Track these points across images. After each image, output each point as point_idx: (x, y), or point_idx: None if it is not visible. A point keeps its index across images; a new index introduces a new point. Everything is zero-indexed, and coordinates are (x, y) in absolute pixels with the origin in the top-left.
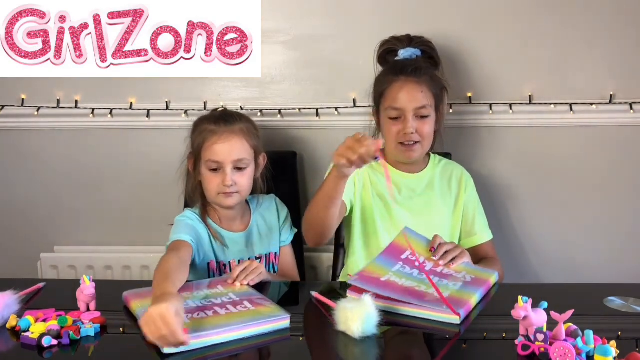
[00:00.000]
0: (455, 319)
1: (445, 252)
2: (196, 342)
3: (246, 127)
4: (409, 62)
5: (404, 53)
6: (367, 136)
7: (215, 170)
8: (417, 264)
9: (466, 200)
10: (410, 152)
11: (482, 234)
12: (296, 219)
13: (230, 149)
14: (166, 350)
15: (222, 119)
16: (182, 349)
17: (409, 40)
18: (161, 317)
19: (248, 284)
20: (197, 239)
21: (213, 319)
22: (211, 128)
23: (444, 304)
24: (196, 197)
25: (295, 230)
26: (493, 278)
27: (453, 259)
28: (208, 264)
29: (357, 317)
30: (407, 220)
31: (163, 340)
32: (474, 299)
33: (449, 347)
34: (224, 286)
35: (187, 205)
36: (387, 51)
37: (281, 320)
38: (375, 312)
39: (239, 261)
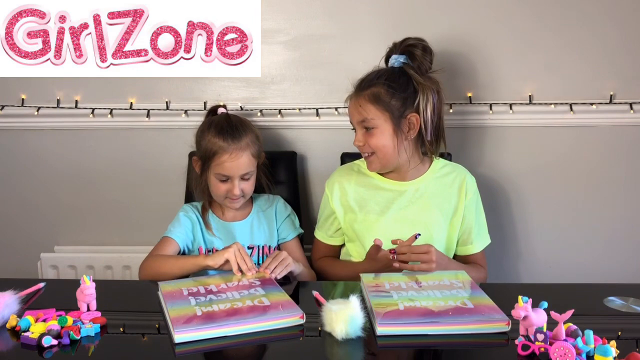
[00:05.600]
0: (503, 327)
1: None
2: (207, 332)
3: (251, 140)
4: (368, 75)
5: (391, 60)
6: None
7: (224, 180)
8: (404, 286)
9: (466, 206)
10: (368, 163)
11: (477, 244)
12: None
13: (239, 165)
14: (178, 338)
15: (229, 135)
16: (194, 337)
17: (400, 45)
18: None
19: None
20: (187, 233)
21: (225, 311)
22: (220, 144)
23: (486, 313)
24: (201, 194)
25: (301, 231)
26: (466, 275)
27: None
28: (198, 248)
29: (340, 319)
30: (402, 228)
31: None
32: (489, 300)
33: None
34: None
35: (189, 200)
36: (388, 56)
37: (294, 316)
38: (360, 315)
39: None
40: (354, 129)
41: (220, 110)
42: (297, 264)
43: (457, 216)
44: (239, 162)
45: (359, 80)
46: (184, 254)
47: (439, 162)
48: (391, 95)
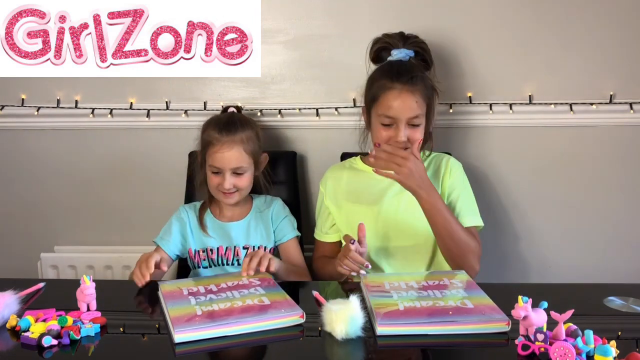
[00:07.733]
0: (503, 327)
1: None
2: (208, 332)
3: (246, 136)
4: (405, 67)
5: (397, 54)
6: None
7: (216, 172)
8: (404, 285)
9: (451, 183)
10: None
11: (465, 218)
12: (297, 218)
13: (229, 158)
14: (178, 338)
15: (225, 128)
16: (194, 337)
17: (402, 39)
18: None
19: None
20: (175, 242)
21: (225, 310)
22: (215, 136)
23: (486, 313)
24: (203, 190)
25: (298, 234)
26: (466, 275)
27: None
28: (188, 250)
29: (340, 319)
30: (396, 216)
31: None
32: (489, 300)
33: None
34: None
35: (189, 200)
36: (380, 49)
37: (294, 315)
38: (360, 314)
39: (226, 248)
40: (389, 124)
41: (231, 109)
42: (279, 262)
43: (443, 194)
44: (229, 154)
45: (406, 73)
46: (178, 257)
47: (424, 153)
48: (428, 92)
